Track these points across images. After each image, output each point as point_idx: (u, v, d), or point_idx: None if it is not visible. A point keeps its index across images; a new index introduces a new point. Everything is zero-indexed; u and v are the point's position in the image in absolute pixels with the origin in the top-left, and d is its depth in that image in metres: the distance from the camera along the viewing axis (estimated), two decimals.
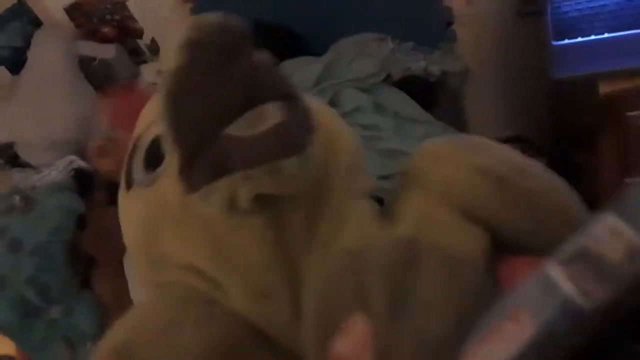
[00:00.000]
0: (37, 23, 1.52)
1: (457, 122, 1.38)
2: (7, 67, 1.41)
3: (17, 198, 1.13)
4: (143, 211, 0.50)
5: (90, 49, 1.41)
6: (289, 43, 1.50)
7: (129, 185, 0.52)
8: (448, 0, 1.40)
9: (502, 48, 1.45)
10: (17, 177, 1.30)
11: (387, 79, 1.31)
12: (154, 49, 1.64)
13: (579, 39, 1.29)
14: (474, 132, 1.45)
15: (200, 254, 0.47)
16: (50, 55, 1.31)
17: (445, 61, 1.41)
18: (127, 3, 1.54)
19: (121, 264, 1.05)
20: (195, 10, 1.52)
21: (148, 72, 1.53)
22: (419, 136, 1.15)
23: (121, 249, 1.06)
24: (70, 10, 1.57)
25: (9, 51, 1.43)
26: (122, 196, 0.54)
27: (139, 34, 1.61)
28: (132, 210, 0.52)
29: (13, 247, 1.05)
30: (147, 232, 0.50)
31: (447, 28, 1.44)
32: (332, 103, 1.20)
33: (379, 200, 1.16)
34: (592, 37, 1.28)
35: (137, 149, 0.54)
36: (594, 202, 0.44)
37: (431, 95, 1.36)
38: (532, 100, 1.51)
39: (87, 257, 1.09)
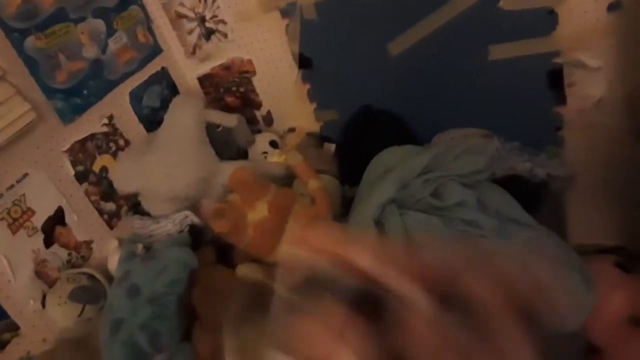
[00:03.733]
0: (173, 88, 1.73)
1: (558, 225, 1.37)
2: (143, 125, 1.60)
3: (140, 246, 1.25)
4: None
5: (216, 116, 1.57)
6: (395, 127, 1.58)
7: None
8: (560, 106, 1.42)
9: (612, 160, 1.43)
10: (137, 224, 1.44)
11: (491, 176, 1.34)
12: (269, 120, 1.79)
13: None
14: (575, 237, 1.42)
15: None
16: (184, 119, 1.47)
17: (550, 164, 1.42)
18: (252, 78, 1.71)
19: (221, 323, 1.11)
20: (311, 93, 1.67)
21: (261, 142, 1.66)
22: (522, 240, 1.15)
23: (223, 309, 1.14)
24: (202, 80, 1.77)
25: (148, 111, 1.62)
26: None
27: (258, 105, 1.77)
28: None
29: (131, 292, 1.15)
30: None
31: (556, 132, 1.46)
32: (436, 195, 1.24)
33: None
34: None
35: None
36: None
37: (533, 196, 1.36)
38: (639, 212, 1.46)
39: (192, 311, 1.17)
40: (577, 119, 1.43)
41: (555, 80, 1.40)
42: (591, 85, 1.38)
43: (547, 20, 1.33)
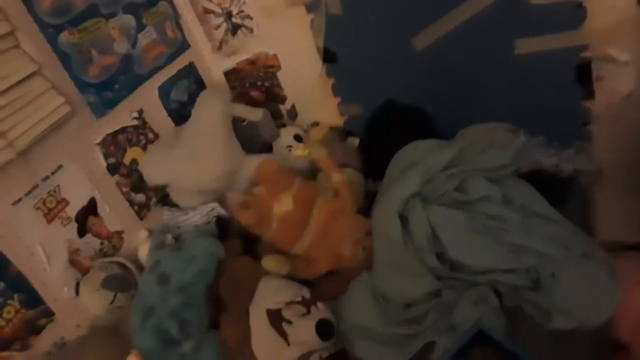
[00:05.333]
0: (200, 83, 1.76)
1: (585, 221, 1.35)
2: (172, 118, 1.64)
3: (169, 237, 1.28)
4: None
5: (242, 110, 1.59)
6: (419, 122, 1.58)
7: None
8: (588, 100, 1.40)
9: None
10: (166, 215, 1.48)
11: (516, 171, 1.33)
12: (293, 114, 1.81)
13: None
14: (602, 233, 1.41)
15: None
16: (211, 113, 1.50)
17: (577, 159, 1.40)
18: (277, 73, 1.73)
19: (247, 312, 1.14)
20: (335, 87, 1.68)
21: (285, 136, 1.68)
22: (547, 236, 1.14)
23: (249, 298, 1.17)
24: (228, 74, 1.80)
25: (176, 105, 1.66)
26: None
27: (282, 100, 1.79)
28: None
29: (162, 280, 1.19)
30: None
31: (583, 127, 1.44)
32: (460, 189, 1.24)
33: (497, 293, 1.16)
34: None
35: None
36: None
37: (560, 191, 1.35)
38: None
39: (220, 300, 1.20)
40: (605, 113, 1.40)
41: (584, 74, 1.38)
42: (620, 79, 1.36)
43: (575, 13, 1.31)
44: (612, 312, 1.05)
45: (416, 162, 1.31)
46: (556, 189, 1.32)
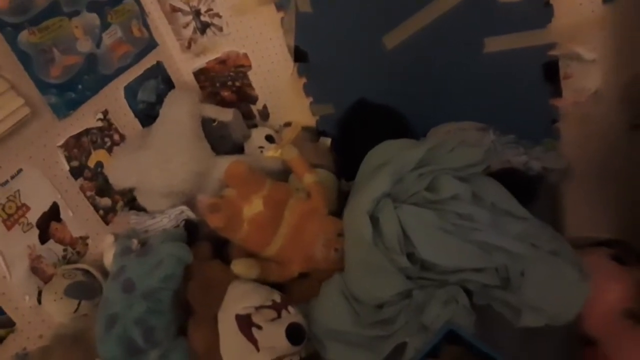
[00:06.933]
0: (169, 83, 1.72)
1: (554, 218, 1.36)
2: (139, 120, 1.60)
3: (135, 242, 1.25)
4: None
5: (212, 111, 1.56)
6: (391, 121, 1.58)
7: None
8: (556, 98, 1.42)
9: (608, 153, 1.43)
10: (133, 220, 1.44)
11: (486, 170, 1.33)
12: (265, 114, 1.79)
13: None
14: (571, 230, 1.42)
15: None
16: (179, 113, 1.47)
17: (546, 157, 1.42)
18: (248, 72, 1.70)
19: (216, 318, 1.12)
20: (307, 87, 1.66)
21: (257, 136, 1.65)
22: (516, 234, 1.15)
23: (218, 304, 1.14)
24: (198, 74, 1.77)
25: (144, 105, 1.62)
26: None
27: (254, 100, 1.76)
28: None
29: (126, 287, 1.15)
30: None
31: (552, 125, 1.45)
32: (430, 188, 1.24)
33: (468, 292, 1.16)
34: None
35: None
36: None
37: (529, 189, 1.36)
38: (636, 205, 1.46)
39: (187, 306, 1.17)
40: (573, 111, 1.42)
41: (551, 72, 1.39)
42: (587, 77, 1.38)
43: (542, 12, 1.32)
44: (581, 308, 1.06)
45: (387, 162, 1.30)
46: (525, 187, 1.33)
